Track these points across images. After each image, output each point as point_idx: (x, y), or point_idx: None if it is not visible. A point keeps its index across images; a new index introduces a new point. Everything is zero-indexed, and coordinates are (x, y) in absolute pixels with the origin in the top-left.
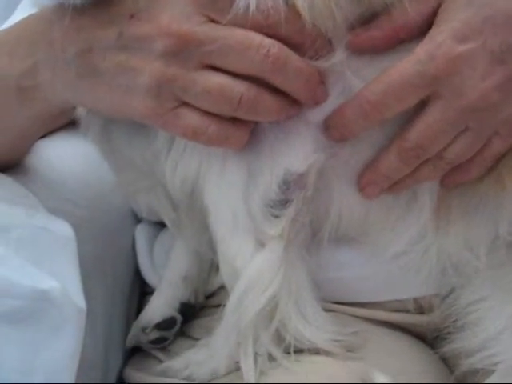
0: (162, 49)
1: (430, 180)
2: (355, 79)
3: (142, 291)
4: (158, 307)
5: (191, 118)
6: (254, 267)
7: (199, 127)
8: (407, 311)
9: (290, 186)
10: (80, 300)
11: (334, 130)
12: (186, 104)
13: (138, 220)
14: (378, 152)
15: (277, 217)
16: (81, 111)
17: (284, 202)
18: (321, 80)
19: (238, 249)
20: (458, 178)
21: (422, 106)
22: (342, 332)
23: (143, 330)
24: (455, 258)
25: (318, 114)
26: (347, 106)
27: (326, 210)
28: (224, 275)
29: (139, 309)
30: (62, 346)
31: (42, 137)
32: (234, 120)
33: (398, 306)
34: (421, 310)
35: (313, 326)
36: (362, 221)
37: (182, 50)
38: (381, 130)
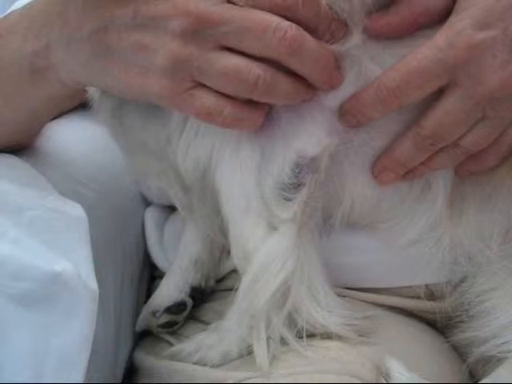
0: (178, 28)
1: (445, 168)
2: (372, 64)
3: (152, 275)
4: (169, 291)
5: (207, 99)
6: (267, 250)
7: (214, 108)
8: (419, 298)
9: (302, 169)
10: (93, 282)
11: (349, 116)
12: (201, 85)
13: (147, 203)
14: (394, 139)
15: (289, 200)
16: (93, 93)
17: (296, 186)
18: (337, 64)
19: (250, 232)
20: (474, 167)
21: (439, 93)
22: (354, 316)
23: (153, 313)
24: (468, 248)
25: (332, 99)
26: (364, 91)
27: (338, 196)
28: (236, 258)
29: (149, 292)
30: (76, 328)
31: (54, 118)
32: (249, 102)
33: (410, 293)
34: (432, 297)
35: (325, 310)
36: (374, 208)
37: (198, 30)
38: (397, 116)
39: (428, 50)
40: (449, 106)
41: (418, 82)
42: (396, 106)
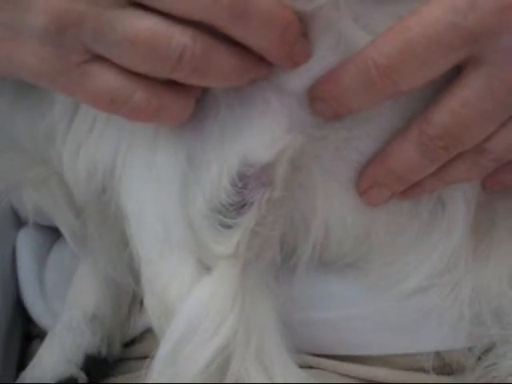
0: None
1: (467, 181)
2: (355, 29)
3: (26, 333)
4: (52, 362)
5: (108, 79)
6: (196, 302)
7: (120, 93)
8: (425, 371)
9: (248, 181)
10: None
11: (322, 103)
12: (100, 58)
13: (20, 223)
14: (389, 139)
15: (228, 227)
16: None
17: (239, 206)
18: (301, 31)
19: (171, 275)
20: (508, 179)
21: (455, 74)
22: None
23: None
24: (497, 299)
25: (296, 80)
26: (343, 68)
27: (305, 220)
28: (152, 314)
29: (21, 361)
30: None
31: None
32: (172, 84)
33: (412, 364)
34: (445, 370)
35: None
36: (360, 239)
37: None
38: (393, 106)
39: (439, 10)
40: (468, 92)
41: (423, 57)
42: (390, 93)
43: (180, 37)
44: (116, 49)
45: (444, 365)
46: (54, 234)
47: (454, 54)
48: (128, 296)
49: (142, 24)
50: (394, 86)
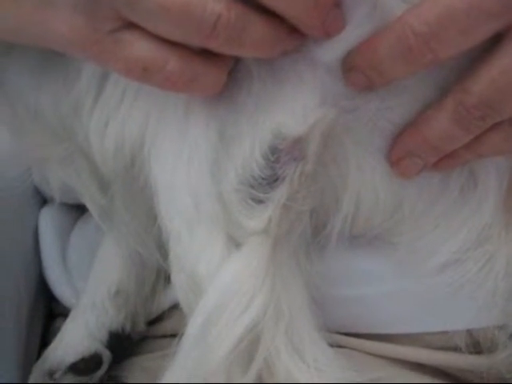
0: None
1: (500, 155)
2: None
3: (49, 311)
4: (75, 339)
5: (140, 47)
6: (226, 279)
7: (152, 62)
8: (456, 349)
9: (280, 155)
10: None
11: (357, 73)
12: (133, 25)
13: (44, 201)
14: (423, 109)
15: (260, 202)
16: None
17: (271, 180)
18: (335, 1)
19: (201, 250)
20: None
21: (494, 43)
22: (357, 379)
23: (50, 373)
24: None
25: (329, 50)
26: (381, 37)
27: (336, 195)
28: (179, 290)
29: (45, 339)
30: None
31: None
32: (206, 53)
33: (443, 342)
34: (478, 349)
35: (312, 368)
36: (391, 212)
37: None
38: (428, 76)
39: None
40: (507, 61)
41: (462, 24)
42: (428, 63)
43: (214, 4)
44: (150, 16)
45: (476, 343)
46: (76, 211)
47: (495, 22)
48: (152, 273)
49: None
50: (433, 54)
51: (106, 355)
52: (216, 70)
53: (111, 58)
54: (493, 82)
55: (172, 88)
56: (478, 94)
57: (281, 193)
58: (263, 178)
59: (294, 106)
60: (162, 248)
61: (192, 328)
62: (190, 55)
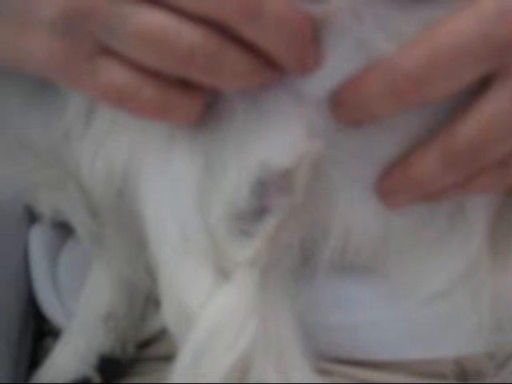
0: None
1: (490, 193)
2: (376, 35)
3: (38, 329)
4: (65, 362)
5: (116, 74)
6: (215, 310)
7: (127, 88)
8: (443, 377)
9: (267, 188)
10: None
11: (344, 110)
12: (109, 51)
13: (33, 218)
14: (411, 145)
15: (248, 234)
16: None
17: (259, 213)
18: (314, 36)
19: (190, 282)
20: None
21: (483, 86)
22: None
23: None
24: None
25: (315, 85)
26: (370, 76)
27: (324, 226)
28: (170, 319)
29: (33, 360)
30: None
31: None
32: (182, 84)
33: (431, 370)
34: (465, 377)
35: None
36: (379, 243)
37: None
38: (417, 113)
39: (469, 19)
40: (495, 104)
41: (450, 67)
42: (415, 103)
43: (191, 33)
44: (126, 42)
45: (463, 371)
46: (67, 229)
47: (483, 65)
48: (142, 296)
49: (154, 18)
50: (421, 95)
51: (96, 378)
52: (191, 101)
53: (87, 83)
54: (482, 126)
55: (146, 116)
56: (467, 137)
57: (268, 225)
58: (250, 211)
59: (280, 138)
60: (152, 273)
61: (183, 359)
62: (165, 84)
